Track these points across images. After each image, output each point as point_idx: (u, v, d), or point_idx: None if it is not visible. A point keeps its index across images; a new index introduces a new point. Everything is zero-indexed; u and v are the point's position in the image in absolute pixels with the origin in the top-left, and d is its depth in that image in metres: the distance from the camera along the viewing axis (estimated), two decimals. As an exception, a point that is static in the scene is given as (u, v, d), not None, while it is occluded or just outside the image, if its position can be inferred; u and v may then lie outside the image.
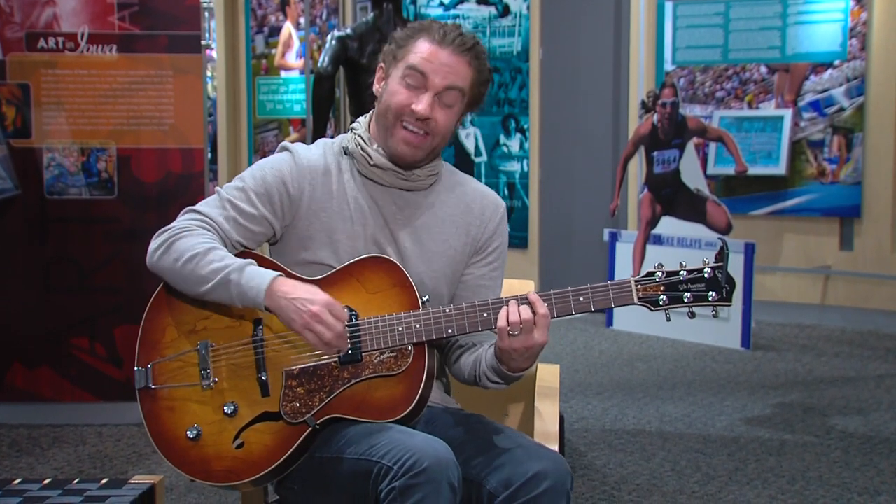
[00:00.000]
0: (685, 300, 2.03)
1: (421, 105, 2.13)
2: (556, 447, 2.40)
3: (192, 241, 2.10)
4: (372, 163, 2.19)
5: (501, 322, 2.01)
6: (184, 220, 2.16)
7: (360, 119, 2.26)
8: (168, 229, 2.14)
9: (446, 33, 2.15)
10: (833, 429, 4.39)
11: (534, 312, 2.01)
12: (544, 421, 2.47)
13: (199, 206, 2.18)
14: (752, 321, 5.97)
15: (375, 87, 2.23)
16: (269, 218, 2.17)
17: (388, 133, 2.17)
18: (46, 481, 2.45)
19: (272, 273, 2.06)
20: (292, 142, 2.25)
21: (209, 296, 2.08)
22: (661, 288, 2.04)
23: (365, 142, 2.20)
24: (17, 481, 2.45)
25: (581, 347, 5.94)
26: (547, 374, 2.66)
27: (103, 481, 2.43)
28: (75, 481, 2.44)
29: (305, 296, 2.02)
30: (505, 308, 2.03)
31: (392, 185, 2.21)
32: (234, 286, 2.04)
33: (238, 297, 2.05)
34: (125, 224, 4.39)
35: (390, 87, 2.17)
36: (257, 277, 2.04)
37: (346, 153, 2.23)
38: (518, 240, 7.32)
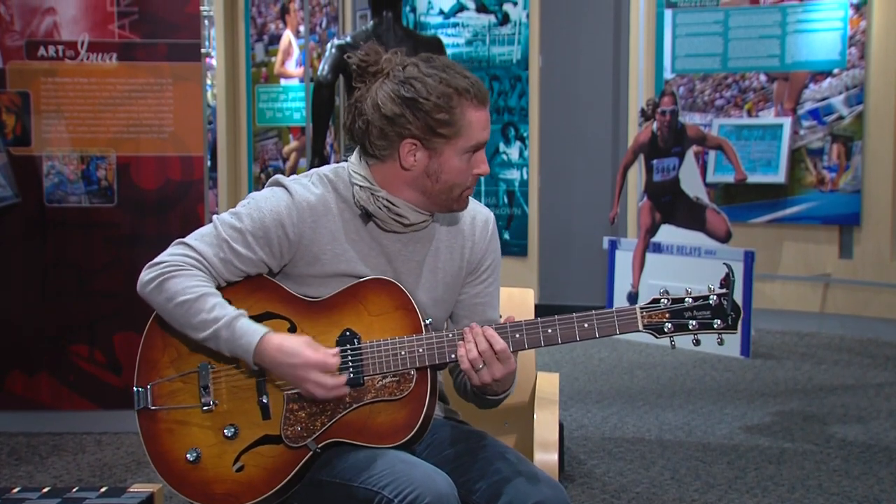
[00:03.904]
0: (690, 327, 2.02)
1: (487, 166, 2.10)
2: (555, 456, 2.40)
3: (184, 284, 2.05)
4: (408, 222, 2.12)
5: (465, 364, 2.02)
6: (177, 255, 2.10)
7: (360, 171, 2.12)
8: (160, 264, 2.09)
9: (479, 88, 2.06)
10: (833, 437, 4.39)
11: (492, 347, 2.01)
12: (544, 429, 2.46)
13: (193, 242, 2.11)
14: (752, 329, 5.97)
15: (407, 161, 2.07)
16: (266, 260, 2.11)
17: (453, 202, 2.11)
18: (45, 490, 2.44)
19: (259, 332, 2.02)
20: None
21: (199, 342, 2.06)
22: (667, 315, 2.02)
23: (394, 204, 2.10)
24: (16, 490, 2.45)
25: (581, 355, 5.93)
26: (546, 383, 2.66)
27: (102, 490, 2.43)
28: (74, 490, 2.44)
29: (288, 360, 2.00)
30: (462, 346, 2.02)
31: (411, 230, 2.15)
32: (223, 342, 2.03)
33: (227, 353, 2.05)
34: (125, 230, 4.39)
35: (450, 166, 2.07)
36: (245, 336, 2.02)
37: (366, 215, 2.12)
38: (517, 248, 7.32)
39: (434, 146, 2.06)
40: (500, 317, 2.28)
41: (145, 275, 2.10)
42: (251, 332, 2.03)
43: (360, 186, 2.11)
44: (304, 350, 2.00)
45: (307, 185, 2.14)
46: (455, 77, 2.05)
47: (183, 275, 2.07)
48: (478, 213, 2.26)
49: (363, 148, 2.12)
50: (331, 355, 2.01)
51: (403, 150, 2.07)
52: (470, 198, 2.26)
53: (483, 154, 2.10)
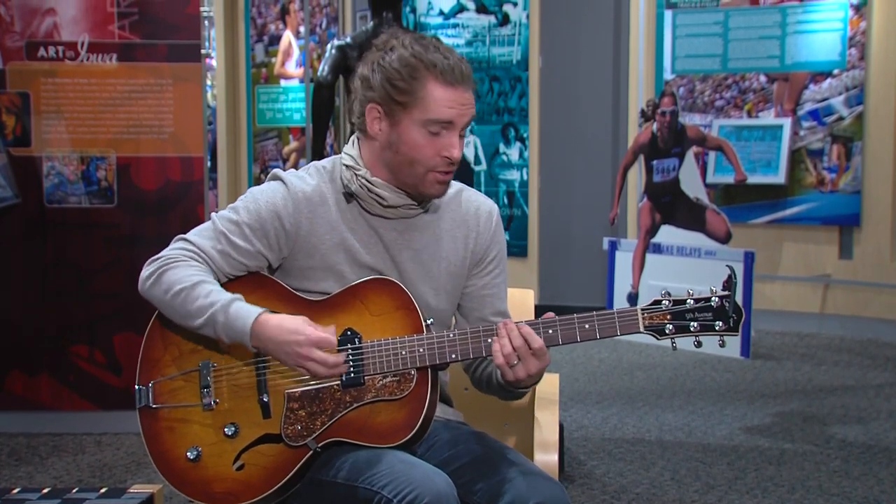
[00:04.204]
0: (692, 329, 2.01)
1: (456, 151, 2.07)
2: (555, 456, 2.39)
3: (182, 274, 2.07)
4: (387, 204, 2.13)
5: (499, 360, 2.01)
6: (175, 249, 2.12)
7: (350, 151, 2.16)
8: (159, 258, 2.11)
9: (452, 68, 2.05)
10: (833, 438, 4.39)
11: (527, 344, 2.00)
12: (544, 430, 2.46)
13: (191, 237, 2.13)
14: (752, 330, 5.97)
15: (373, 129, 2.10)
16: (264, 252, 2.12)
17: (417, 181, 2.10)
18: (45, 490, 2.44)
19: (255, 312, 2.02)
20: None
21: (199, 331, 2.06)
22: (668, 316, 2.02)
23: (372, 183, 2.11)
24: (16, 490, 2.45)
25: (581, 356, 5.93)
26: (546, 384, 2.65)
27: (102, 490, 2.43)
28: (74, 490, 2.44)
29: (289, 338, 2.00)
30: (497, 342, 2.01)
31: (397, 216, 2.16)
32: (220, 326, 2.03)
33: (226, 337, 2.04)
34: (125, 230, 4.39)
35: (408, 137, 2.07)
36: (240, 318, 2.02)
37: (349, 195, 2.14)
38: (517, 248, 7.31)
39: (393, 113, 2.07)
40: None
41: (145, 271, 2.12)
42: (248, 311, 2.03)
43: (347, 166, 2.14)
44: (306, 328, 2.01)
45: (303, 177, 2.16)
46: (431, 52, 2.06)
47: (181, 266, 2.09)
48: (481, 205, 2.27)
49: (349, 115, 2.17)
50: (330, 333, 2.02)
51: (369, 116, 2.10)
52: (473, 190, 2.29)
53: (454, 137, 2.08)
